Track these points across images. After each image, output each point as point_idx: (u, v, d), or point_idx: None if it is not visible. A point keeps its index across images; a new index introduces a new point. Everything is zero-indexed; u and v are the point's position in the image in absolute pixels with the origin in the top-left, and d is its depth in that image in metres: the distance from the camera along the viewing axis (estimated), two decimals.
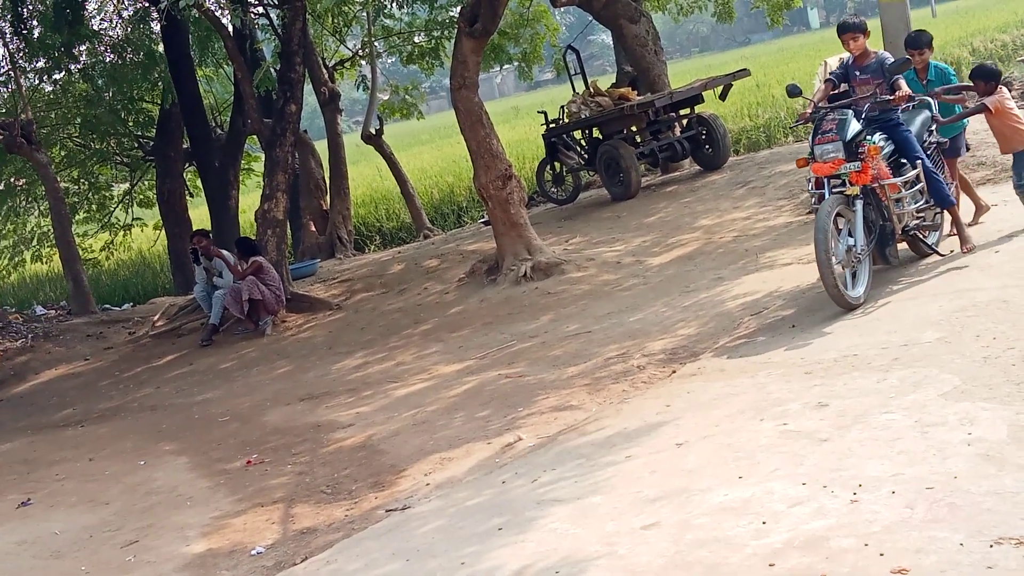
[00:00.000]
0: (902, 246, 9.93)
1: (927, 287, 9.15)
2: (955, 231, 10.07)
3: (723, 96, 20.02)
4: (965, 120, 10.83)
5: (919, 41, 10.80)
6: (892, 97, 9.58)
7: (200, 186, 24.59)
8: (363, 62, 26.35)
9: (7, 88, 23.70)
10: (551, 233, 16.79)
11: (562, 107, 20.17)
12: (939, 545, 4.72)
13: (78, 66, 22.98)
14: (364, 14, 24.16)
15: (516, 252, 14.31)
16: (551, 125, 20.11)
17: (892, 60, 9.90)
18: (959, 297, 8.48)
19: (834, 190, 9.18)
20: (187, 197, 25.09)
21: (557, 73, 26.16)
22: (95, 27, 22.91)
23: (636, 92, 20.32)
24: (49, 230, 26.28)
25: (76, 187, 28.03)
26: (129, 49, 23.34)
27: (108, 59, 23.78)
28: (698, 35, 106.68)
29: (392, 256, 20.03)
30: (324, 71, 24.03)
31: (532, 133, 31.30)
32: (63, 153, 27.10)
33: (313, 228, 23.87)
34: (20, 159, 23.15)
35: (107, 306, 22.48)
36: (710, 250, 13.41)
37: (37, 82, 24.34)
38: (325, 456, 9.17)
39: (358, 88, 25.85)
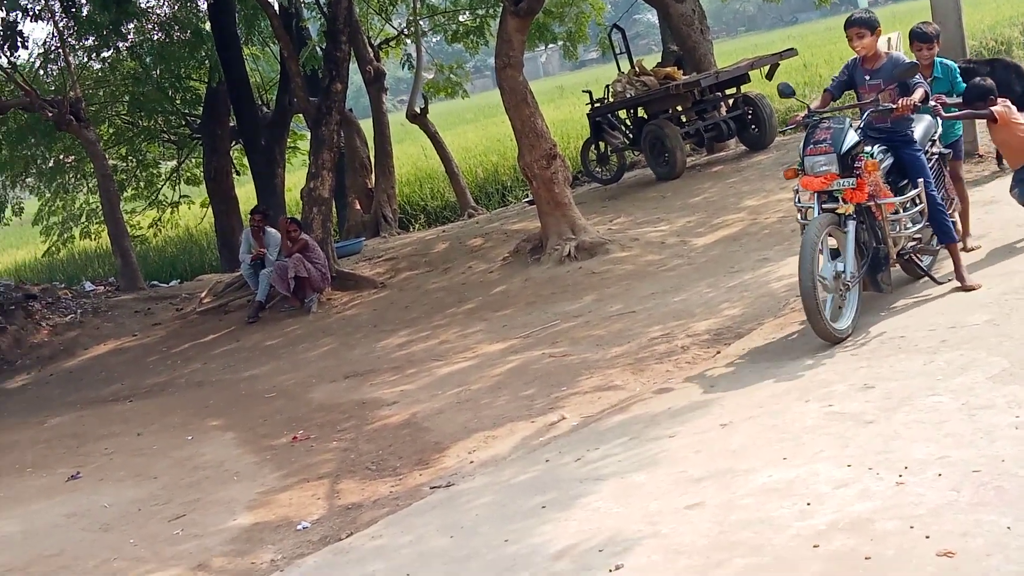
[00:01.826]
0: (895, 267, 8.97)
1: (975, 269, 8.97)
2: (956, 270, 8.68)
3: (770, 76, 19.85)
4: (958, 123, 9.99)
5: (927, 34, 9.76)
6: (896, 106, 8.36)
7: (246, 164, 24.72)
8: (408, 41, 26.39)
9: (56, 66, 23.90)
10: (595, 213, 16.75)
11: (607, 86, 20.11)
12: (985, 528, 4.68)
13: (126, 44, 23.18)
14: None
15: (560, 231, 14.30)
16: (596, 104, 20.06)
17: (905, 62, 8.69)
18: (1008, 279, 8.40)
19: (825, 206, 8.26)
20: (233, 175, 25.23)
21: (602, 52, 26.10)
22: (143, 5, 23.04)
23: (682, 71, 20.22)
24: (98, 207, 26.52)
25: (124, 164, 28.27)
26: (176, 27, 23.51)
27: (156, 37, 23.97)
28: (744, 14, 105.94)
29: (436, 235, 20.06)
30: (370, 50, 24.05)
31: (577, 112, 31.21)
32: (111, 131, 27.32)
33: (358, 206, 23.93)
34: (69, 136, 23.35)
35: (155, 282, 22.67)
36: (755, 231, 13.35)
37: (86, 60, 24.57)
38: (370, 433, 9.22)
39: (403, 67, 25.93)
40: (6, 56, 20.72)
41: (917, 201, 8.59)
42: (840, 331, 8.02)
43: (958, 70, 9.94)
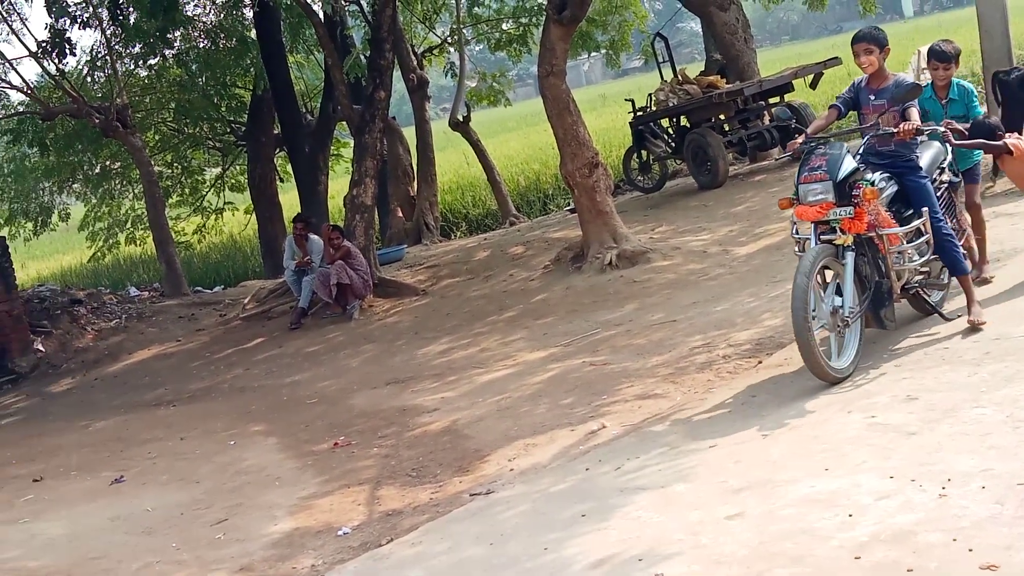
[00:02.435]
0: (900, 302, 8.45)
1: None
2: (968, 303, 8.19)
3: (814, 85, 19.82)
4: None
5: (945, 53, 9.14)
6: (897, 130, 7.87)
7: (290, 171, 24.85)
8: (451, 49, 26.46)
9: (104, 73, 24.11)
10: (637, 221, 16.73)
11: (650, 95, 20.09)
12: None
13: (172, 52, 23.31)
14: (453, 1, 24.27)
15: (602, 240, 14.29)
16: (638, 113, 20.04)
17: (908, 83, 8.15)
18: None
19: (824, 237, 7.75)
20: (277, 182, 25.37)
21: (645, 61, 26.13)
22: (189, 13, 23.22)
23: (725, 80, 20.19)
24: (143, 213, 26.73)
25: (169, 171, 28.49)
26: (222, 35, 23.65)
27: (202, 45, 24.13)
28: (788, 23, 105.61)
29: (478, 243, 20.09)
30: (413, 58, 24.15)
31: (619, 121, 31.17)
32: (157, 137, 27.53)
33: (400, 214, 24.01)
34: (115, 143, 23.58)
35: (199, 288, 22.84)
36: None
37: (133, 67, 24.75)
38: (411, 440, 9.24)
39: (446, 75, 26.00)
40: (54, 63, 20.94)
41: (922, 231, 8.06)
42: (839, 370, 7.55)
43: (975, 94, 9.32)
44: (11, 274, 16.95)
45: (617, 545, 5.71)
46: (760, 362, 8.84)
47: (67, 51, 19.94)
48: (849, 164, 7.78)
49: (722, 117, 19.22)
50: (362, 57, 21.94)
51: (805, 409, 7.14)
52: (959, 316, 8.17)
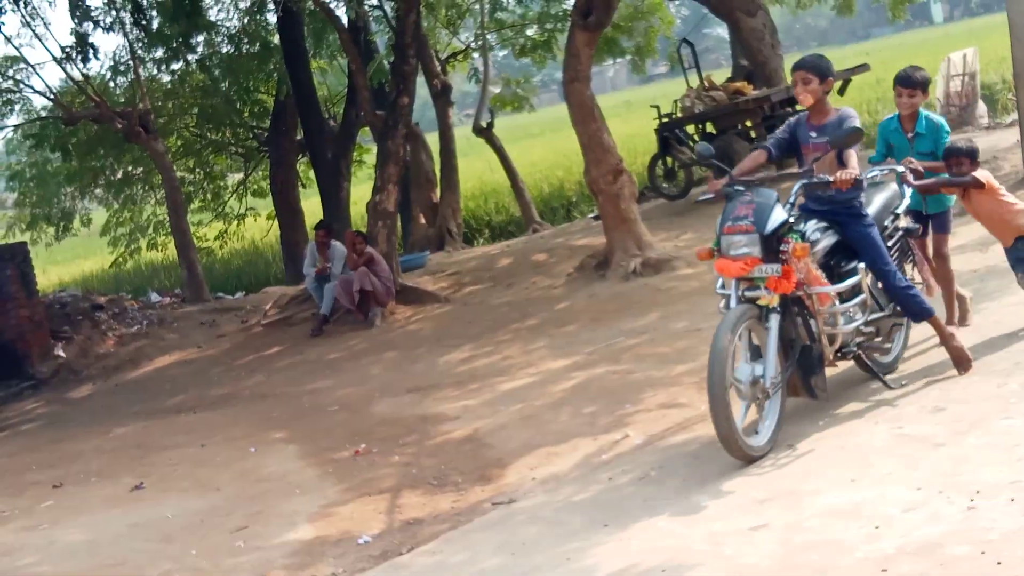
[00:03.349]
0: (836, 367, 7.70)
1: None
2: (946, 344, 7.44)
3: (842, 91, 19.69)
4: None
5: (911, 79, 8.18)
6: (832, 179, 6.97)
7: (312, 177, 24.87)
8: (475, 55, 26.45)
9: (126, 78, 24.20)
10: (662, 229, 16.66)
11: (675, 101, 20.02)
12: None
13: (195, 57, 23.41)
14: (477, 7, 24.26)
15: (626, 247, 14.23)
16: (664, 119, 19.97)
17: (855, 118, 7.26)
18: None
19: (748, 293, 6.90)
20: (299, 188, 25.39)
21: (671, 67, 26.06)
22: (212, 18, 23.30)
23: (752, 86, 20.09)
24: (165, 218, 26.78)
25: (191, 176, 28.56)
26: (245, 40, 23.72)
27: (225, 50, 24.20)
28: (816, 29, 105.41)
29: (501, 250, 20.06)
30: (436, 63, 24.14)
31: (644, 127, 31.05)
32: (179, 142, 27.61)
33: (423, 220, 23.99)
34: (138, 148, 23.64)
35: (220, 294, 22.83)
36: None
37: (155, 72, 24.87)
38: (432, 448, 9.20)
39: (470, 81, 26.01)
40: (78, 67, 21.02)
41: (860, 289, 7.26)
42: (755, 448, 6.69)
43: (946, 128, 8.30)
44: (32, 279, 16.98)
45: (639, 555, 5.67)
46: None
47: (90, 56, 20.04)
48: (779, 215, 6.91)
49: (749, 124, 19.13)
50: (385, 63, 21.97)
51: (831, 419, 7.07)
52: (903, 385, 7.35)
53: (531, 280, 15.68)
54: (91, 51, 19.99)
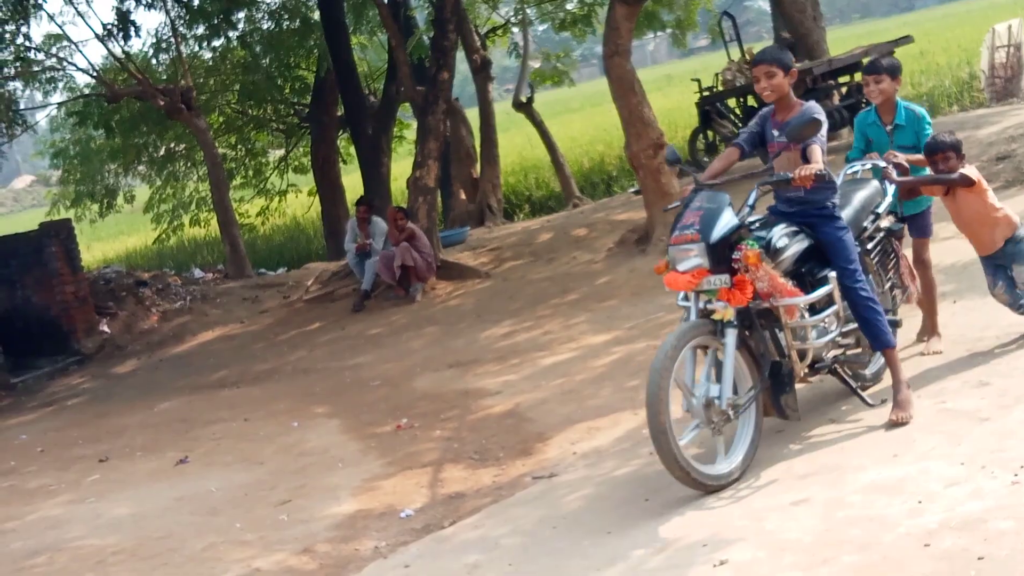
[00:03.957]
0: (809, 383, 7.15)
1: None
2: (896, 384, 6.66)
3: None
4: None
5: (875, 64, 7.75)
6: (792, 176, 6.37)
7: (353, 153, 24.89)
8: (515, 29, 26.37)
9: (168, 55, 24.29)
10: None
11: (717, 74, 19.92)
12: None
13: (236, 33, 23.44)
14: None
15: (666, 222, 14.15)
16: (705, 93, 19.86)
17: (811, 114, 6.56)
18: None
19: (709, 305, 6.32)
20: (340, 164, 25.42)
21: (712, 40, 25.90)
22: None
23: (794, 59, 19.93)
24: (207, 195, 26.91)
25: (233, 153, 28.62)
26: (286, 16, 23.73)
27: (266, 26, 24.23)
28: (859, 1, 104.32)
29: (541, 225, 20.03)
30: (476, 38, 24.08)
31: (685, 101, 30.95)
32: (221, 119, 27.67)
33: (463, 196, 23.98)
34: (180, 125, 23.72)
35: (262, 270, 22.95)
36: None
37: (197, 49, 24.93)
38: (473, 422, 9.23)
39: (510, 55, 25.95)
40: (120, 45, 21.12)
41: (830, 302, 6.59)
42: (713, 477, 6.09)
43: (927, 119, 7.73)
44: (77, 256, 17.12)
45: (681, 529, 5.68)
46: None
47: (132, 33, 20.12)
48: (728, 220, 6.33)
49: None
50: (425, 38, 21.95)
51: (874, 394, 7.01)
52: (884, 402, 6.75)
53: (571, 255, 15.65)
54: (132, 28, 20.07)
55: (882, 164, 7.34)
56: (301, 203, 30.64)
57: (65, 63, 22.98)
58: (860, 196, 7.23)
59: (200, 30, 22.70)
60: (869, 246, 7.14)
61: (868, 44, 20.29)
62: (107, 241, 39.53)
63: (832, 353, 6.71)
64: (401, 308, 15.13)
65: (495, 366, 11.03)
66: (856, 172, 7.56)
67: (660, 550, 5.50)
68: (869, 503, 5.37)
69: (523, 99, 24.33)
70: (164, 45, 24.12)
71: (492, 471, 7.90)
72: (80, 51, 22.73)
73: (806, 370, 6.54)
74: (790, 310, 6.35)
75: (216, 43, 24.36)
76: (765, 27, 62.11)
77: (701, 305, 6.33)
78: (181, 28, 22.48)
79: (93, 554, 7.59)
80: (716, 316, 6.25)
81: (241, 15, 23.02)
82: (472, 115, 24.96)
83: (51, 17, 24.70)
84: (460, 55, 20.30)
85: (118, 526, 8.13)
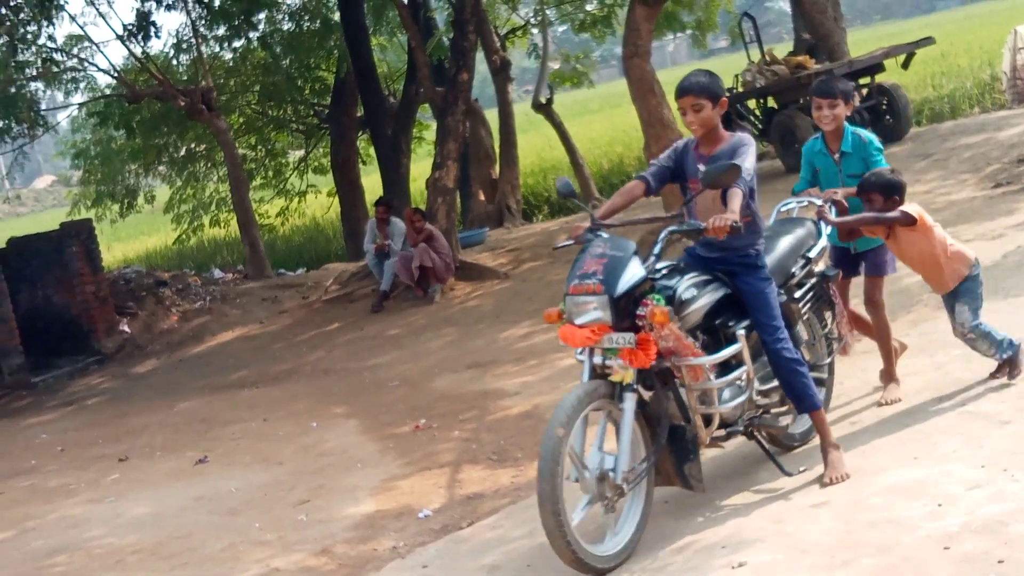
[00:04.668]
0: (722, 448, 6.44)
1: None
2: (825, 447, 6.06)
3: (906, 65, 19.44)
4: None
5: (829, 87, 7.13)
6: (705, 226, 5.65)
7: (372, 153, 24.93)
8: (535, 30, 26.37)
9: (188, 56, 24.37)
10: None
11: (737, 76, 19.85)
12: None
13: (257, 34, 23.51)
14: None
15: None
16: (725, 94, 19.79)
17: (747, 149, 5.88)
18: None
19: (606, 362, 5.64)
20: (360, 164, 25.47)
21: (732, 41, 25.78)
22: None
23: (814, 60, 19.87)
24: (227, 195, 26.98)
25: (253, 153, 28.73)
26: (306, 17, 23.79)
27: (286, 27, 24.29)
28: (880, 2, 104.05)
29: (560, 226, 20.02)
30: (496, 39, 24.10)
31: None
32: (241, 120, 27.77)
33: (482, 197, 23.99)
34: (200, 125, 23.80)
35: (282, 271, 22.99)
36: None
37: (217, 50, 25.00)
38: (491, 423, 9.23)
39: (529, 56, 25.92)
40: (140, 45, 21.20)
41: (738, 363, 5.90)
42: (601, 559, 5.48)
43: (877, 145, 7.02)
44: (97, 256, 17.19)
45: (700, 530, 5.67)
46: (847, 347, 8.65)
47: (152, 34, 20.20)
48: (635, 272, 5.66)
49: (811, 98, 18.90)
50: (445, 39, 21.95)
51: (896, 396, 6.97)
52: (803, 470, 6.17)
53: None
54: (152, 29, 20.15)
55: (818, 202, 6.75)
56: (321, 204, 30.72)
57: (86, 64, 23.12)
58: (788, 240, 6.59)
59: (221, 31, 22.79)
60: (797, 294, 6.47)
61: (889, 45, 20.21)
62: (127, 241, 39.65)
63: (749, 415, 6.07)
64: (420, 309, 15.15)
65: (513, 367, 11.03)
66: (792, 210, 7.08)
67: (678, 551, 5.49)
68: (889, 505, 5.34)
69: (542, 100, 24.33)
70: (184, 46, 24.22)
71: (510, 472, 7.90)
72: (101, 52, 22.88)
73: (719, 433, 5.92)
74: (695, 371, 5.70)
75: (236, 44, 24.46)
76: (786, 28, 62.03)
77: (598, 360, 5.67)
78: (201, 29, 22.56)
79: (112, 553, 7.63)
80: (614, 378, 5.58)
81: (261, 16, 23.11)
82: (491, 116, 24.97)
83: (72, 18, 24.70)
84: (480, 56, 20.32)
85: (137, 525, 8.16)
